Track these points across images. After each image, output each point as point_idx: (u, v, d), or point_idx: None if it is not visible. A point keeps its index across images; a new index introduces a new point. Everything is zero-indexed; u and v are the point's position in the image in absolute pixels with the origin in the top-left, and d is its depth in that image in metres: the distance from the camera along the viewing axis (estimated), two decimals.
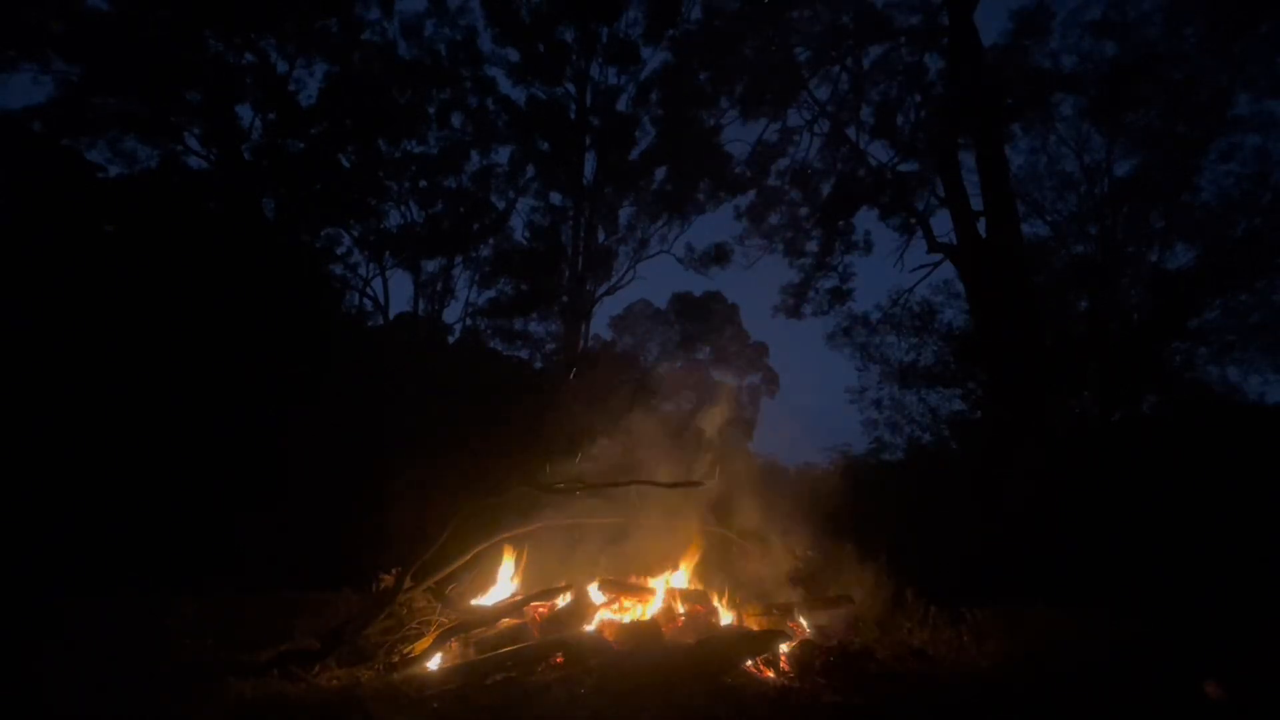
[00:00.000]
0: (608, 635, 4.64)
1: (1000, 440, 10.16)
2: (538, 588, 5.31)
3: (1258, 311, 13.38)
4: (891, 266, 15.78)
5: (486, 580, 5.55)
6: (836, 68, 14.48)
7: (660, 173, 19.84)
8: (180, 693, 3.59)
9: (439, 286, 19.52)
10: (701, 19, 17.34)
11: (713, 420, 7.13)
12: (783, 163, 16.94)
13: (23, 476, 7.00)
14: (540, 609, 5.09)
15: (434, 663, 4.34)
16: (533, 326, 20.66)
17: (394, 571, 5.16)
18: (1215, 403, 12.91)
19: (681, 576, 5.63)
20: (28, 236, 8.89)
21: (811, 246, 17.38)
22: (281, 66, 14.95)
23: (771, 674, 4.36)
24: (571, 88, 19.86)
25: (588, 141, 20.06)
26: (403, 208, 18.45)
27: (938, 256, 12.95)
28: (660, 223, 20.55)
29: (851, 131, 14.92)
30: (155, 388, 8.54)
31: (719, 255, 20.04)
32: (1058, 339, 13.14)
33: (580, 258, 20.17)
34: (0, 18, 11.60)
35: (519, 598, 5.17)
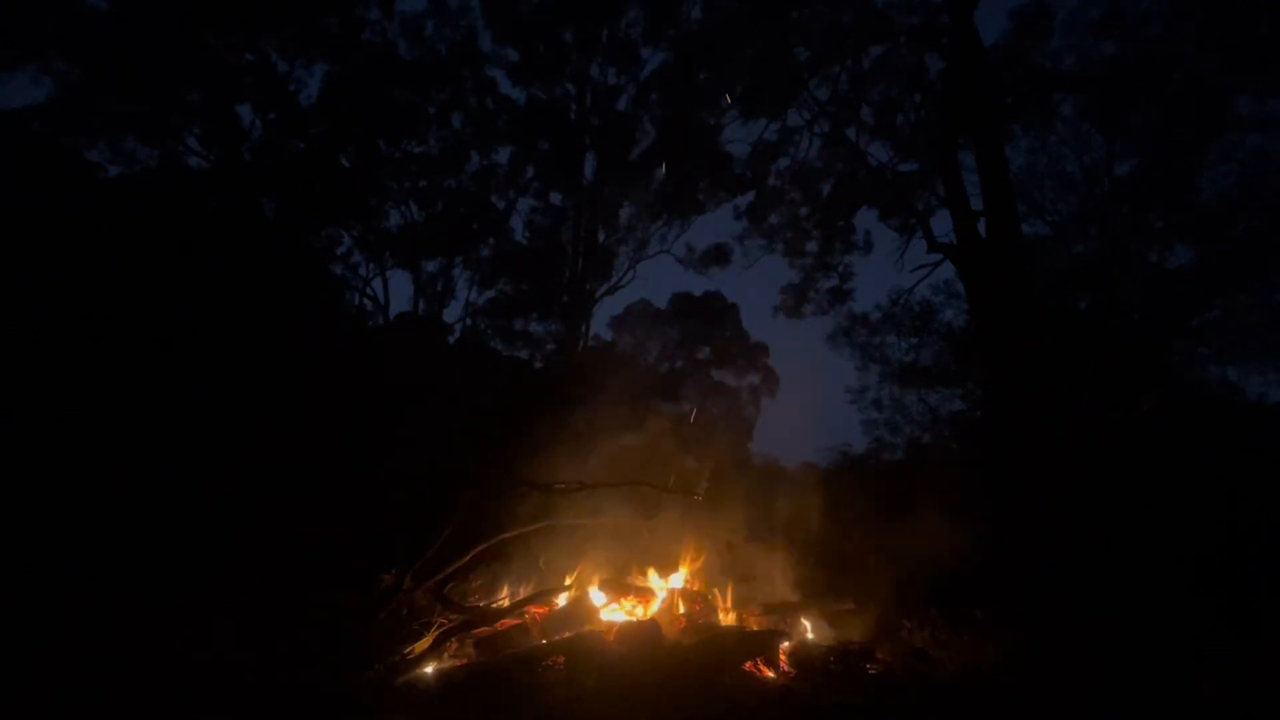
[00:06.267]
0: (608, 635, 4.64)
1: (1000, 440, 10.15)
2: (538, 588, 5.32)
3: (1258, 311, 13.38)
4: (891, 266, 15.81)
5: (496, 583, 5.58)
6: (836, 68, 14.47)
7: (660, 173, 19.84)
8: (180, 693, 3.59)
9: (439, 286, 19.53)
10: (701, 19, 17.34)
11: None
12: (783, 163, 16.96)
13: (18, 478, 7.00)
14: (540, 609, 5.10)
15: (434, 663, 4.34)
16: (533, 326, 20.66)
17: (394, 571, 5.16)
18: (1215, 403, 12.90)
19: (681, 577, 5.64)
20: (27, 236, 8.89)
21: (811, 246, 17.40)
22: (281, 66, 14.95)
23: (771, 674, 4.37)
24: (571, 88, 19.86)
25: (588, 141, 20.07)
26: (403, 208, 18.46)
27: (938, 256, 12.94)
28: (660, 223, 20.56)
29: (851, 131, 14.90)
30: (154, 388, 8.54)
31: (719, 255, 20.06)
32: (1058, 339, 13.13)
33: (580, 258, 20.18)
34: (0, 18, 11.60)
35: (519, 598, 5.18)
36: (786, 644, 4.70)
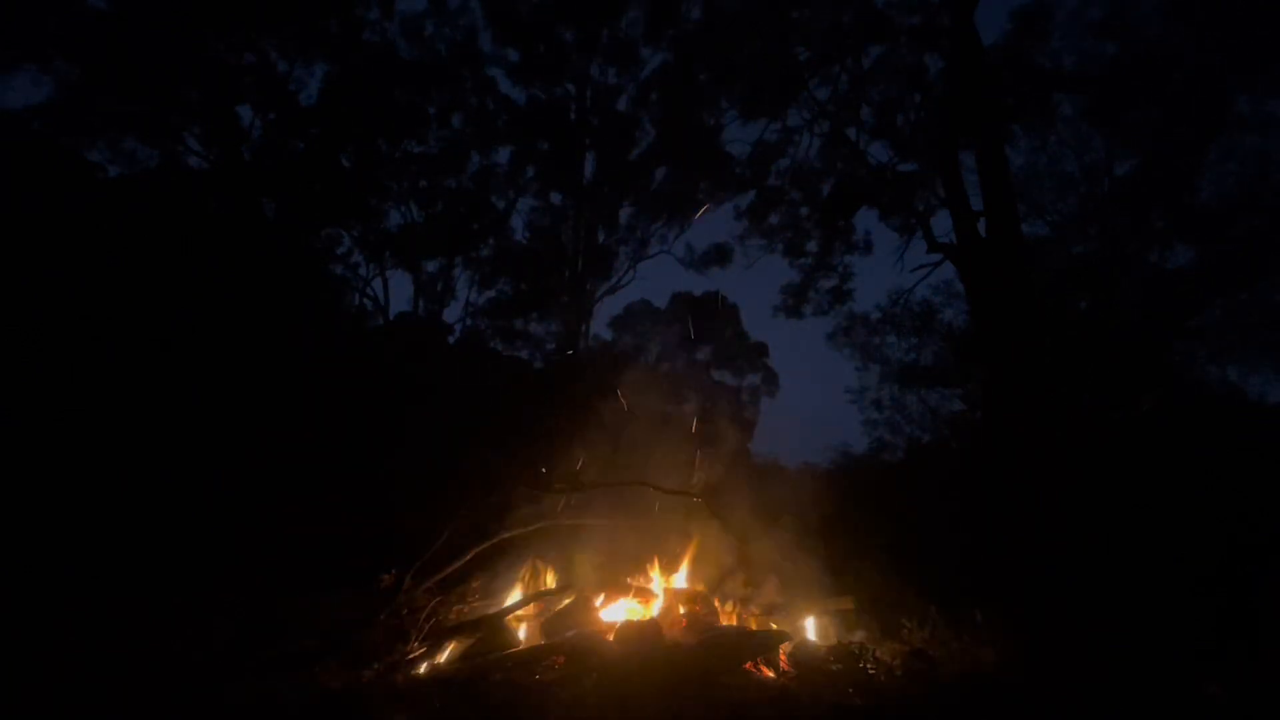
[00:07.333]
0: (608, 635, 4.64)
1: (1000, 440, 10.15)
2: (538, 589, 5.32)
3: (1258, 311, 13.38)
4: (891, 266, 15.79)
5: (496, 583, 5.56)
6: (836, 68, 14.48)
7: (660, 173, 19.84)
8: (182, 694, 3.59)
9: (439, 286, 19.53)
10: (701, 19, 17.34)
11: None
12: (783, 163, 16.94)
13: (18, 478, 7.00)
14: (540, 609, 5.10)
15: (434, 663, 4.34)
16: (533, 326, 20.66)
17: (394, 572, 5.16)
18: (1215, 403, 12.90)
19: (682, 577, 5.64)
20: (27, 236, 8.89)
21: (811, 246, 17.41)
22: (281, 66, 14.96)
23: (771, 674, 4.37)
24: (571, 88, 19.86)
25: (588, 141, 20.06)
26: (403, 208, 18.46)
27: (938, 256, 12.93)
28: (660, 223, 20.55)
29: (852, 131, 14.91)
30: (154, 388, 8.54)
31: (719, 255, 20.04)
32: (1058, 339, 13.12)
33: (580, 258, 20.18)
34: (0, 18, 11.60)
35: (521, 599, 5.18)
36: (786, 644, 4.69)
